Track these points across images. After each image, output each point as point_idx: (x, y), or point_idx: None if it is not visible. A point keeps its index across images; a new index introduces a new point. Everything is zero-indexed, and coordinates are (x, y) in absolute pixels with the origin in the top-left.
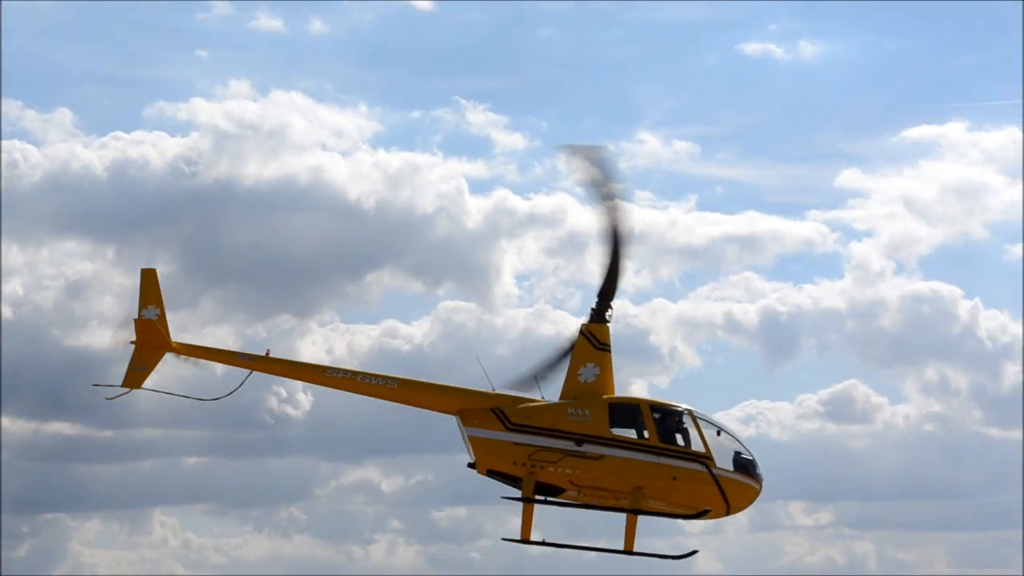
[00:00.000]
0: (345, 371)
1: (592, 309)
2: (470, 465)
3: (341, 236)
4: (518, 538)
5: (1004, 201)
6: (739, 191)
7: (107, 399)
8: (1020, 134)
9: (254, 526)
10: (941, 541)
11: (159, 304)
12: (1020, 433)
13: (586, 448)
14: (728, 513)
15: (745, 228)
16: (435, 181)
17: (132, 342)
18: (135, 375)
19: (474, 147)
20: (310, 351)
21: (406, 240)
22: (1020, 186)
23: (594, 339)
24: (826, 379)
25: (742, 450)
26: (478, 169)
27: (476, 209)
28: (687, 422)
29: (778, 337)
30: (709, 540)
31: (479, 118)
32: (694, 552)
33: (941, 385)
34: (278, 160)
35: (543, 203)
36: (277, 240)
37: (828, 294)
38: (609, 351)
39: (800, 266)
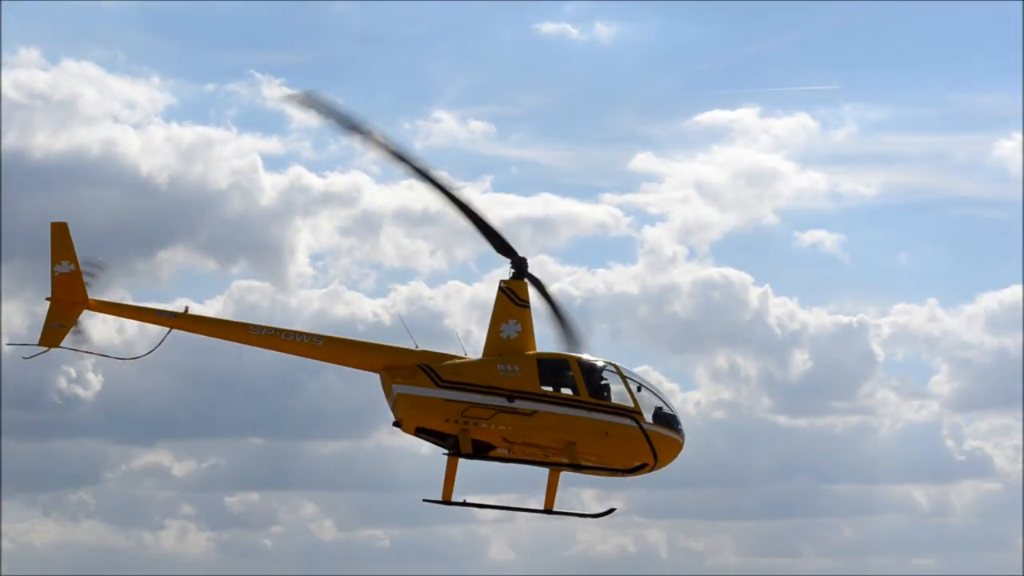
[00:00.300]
0: (269, 328)
1: (511, 266)
2: (395, 424)
3: (132, 211)
4: (439, 499)
5: (794, 187)
6: (534, 173)
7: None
8: (810, 120)
9: (42, 511)
10: (730, 529)
11: (73, 259)
12: (808, 421)
13: (518, 404)
14: (655, 467)
15: (540, 210)
16: (229, 157)
17: (48, 298)
18: (53, 332)
19: (269, 122)
20: (100, 330)
21: (199, 217)
22: (810, 173)
23: (514, 295)
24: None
25: (664, 405)
26: (273, 145)
27: (271, 186)
28: (614, 377)
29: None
30: (502, 527)
31: (274, 92)
32: (612, 510)
33: (731, 372)
34: (68, 132)
35: (338, 181)
36: (66, 215)
37: (621, 279)
38: (529, 307)
39: (594, 250)
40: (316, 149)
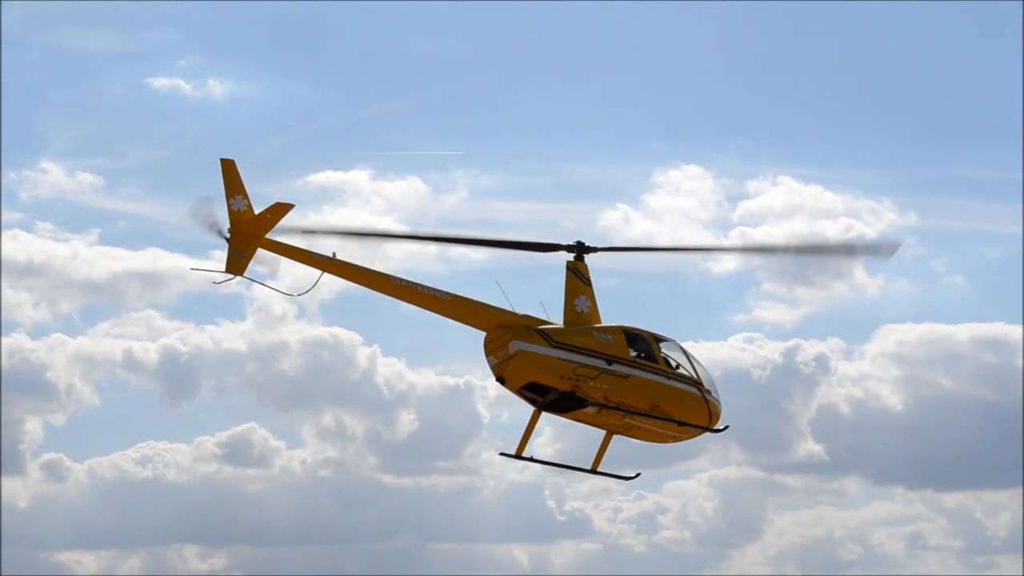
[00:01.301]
0: (407, 281)
1: (574, 248)
2: (499, 379)
3: None
4: (513, 453)
5: (405, 250)
6: (143, 226)
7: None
8: (422, 184)
9: None
10: None
11: (245, 195)
12: (413, 480)
13: (615, 367)
14: (709, 429)
15: (148, 265)
16: None
17: (228, 231)
18: (236, 261)
19: None
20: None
21: None
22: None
23: (580, 275)
24: (225, 421)
25: (709, 377)
26: None
27: None
28: (678, 351)
29: (178, 377)
30: None
31: None
32: (638, 474)
33: (338, 430)
34: None
35: None
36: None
37: (230, 335)
38: (591, 285)
39: (203, 306)
40: None
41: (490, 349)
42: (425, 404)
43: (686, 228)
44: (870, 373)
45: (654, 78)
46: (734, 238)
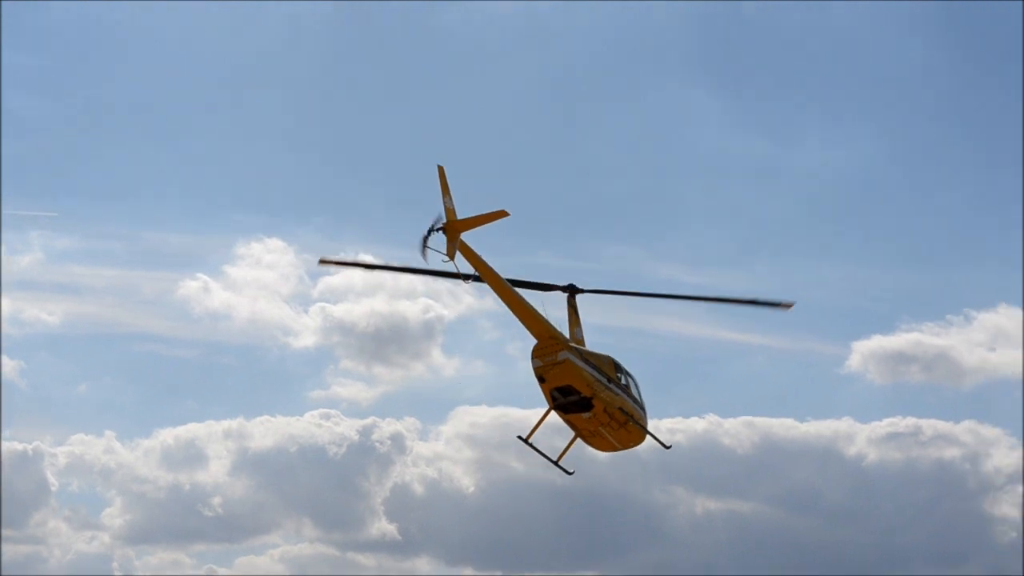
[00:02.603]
0: (507, 281)
1: (567, 288)
2: (539, 378)
3: None
4: (524, 437)
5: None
6: None
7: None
8: None
9: None
10: None
11: (450, 196)
12: None
13: (611, 386)
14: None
15: None
16: None
17: (443, 224)
18: (451, 248)
19: None
20: None
21: None
22: None
23: (575, 309)
24: None
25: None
26: None
27: None
28: (631, 378)
29: None
30: None
31: None
32: (571, 473)
33: None
34: None
35: None
36: None
37: None
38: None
39: None
40: None
41: (540, 353)
42: None
43: (266, 301)
44: (444, 453)
45: (239, 149)
46: (314, 314)
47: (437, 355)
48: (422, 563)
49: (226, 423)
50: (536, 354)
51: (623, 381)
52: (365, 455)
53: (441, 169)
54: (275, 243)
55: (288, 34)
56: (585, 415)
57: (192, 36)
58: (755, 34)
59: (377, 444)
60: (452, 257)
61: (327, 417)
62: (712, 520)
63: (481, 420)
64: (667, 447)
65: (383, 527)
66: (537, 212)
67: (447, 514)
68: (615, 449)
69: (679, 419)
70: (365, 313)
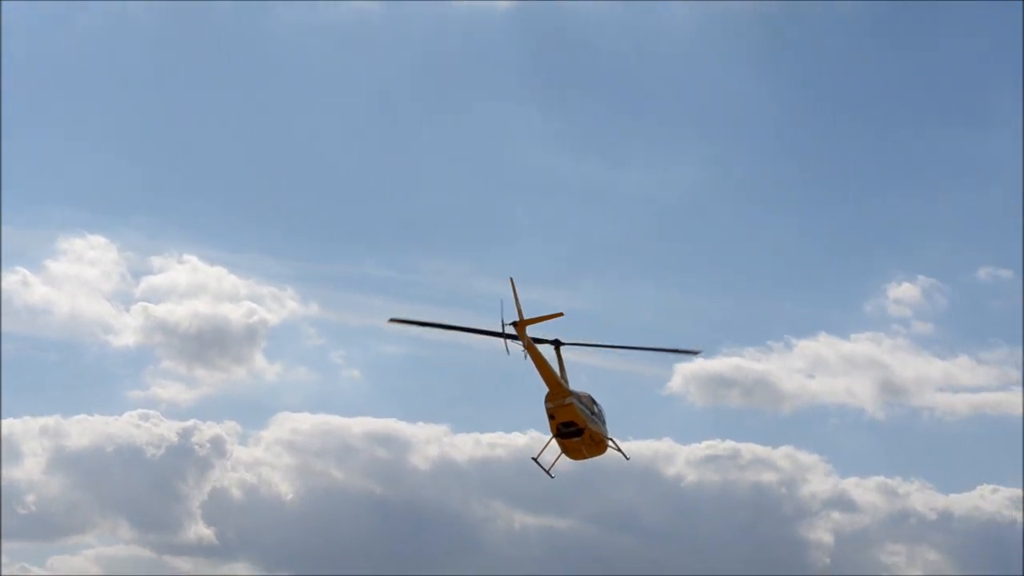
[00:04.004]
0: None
1: (551, 342)
2: (550, 415)
3: None
4: (535, 456)
5: None
6: None
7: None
8: None
9: None
10: None
11: (519, 303)
12: None
13: (593, 417)
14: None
15: None
16: None
17: (517, 320)
18: (523, 335)
19: None
20: None
21: None
22: None
23: (560, 359)
24: None
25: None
26: None
27: None
28: (598, 407)
29: None
30: None
31: None
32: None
33: None
34: None
35: None
36: None
37: None
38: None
39: None
40: None
41: (552, 398)
42: None
43: (87, 297)
44: (264, 459)
45: (63, 145)
46: (136, 313)
47: (260, 359)
48: (239, 567)
49: (43, 420)
50: (549, 399)
51: (597, 410)
52: (184, 458)
53: (512, 280)
54: (98, 239)
55: (116, 30)
56: (577, 439)
57: (17, 31)
58: (588, 57)
59: (196, 447)
60: (527, 348)
61: (146, 418)
62: (528, 535)
63: (302, 427)
64: (627, 458)
65: (200, 531)
66: (363, 222)
67: (265, 519)
68: (584, 458)
69: (500, 434)
70: (188, 314)
